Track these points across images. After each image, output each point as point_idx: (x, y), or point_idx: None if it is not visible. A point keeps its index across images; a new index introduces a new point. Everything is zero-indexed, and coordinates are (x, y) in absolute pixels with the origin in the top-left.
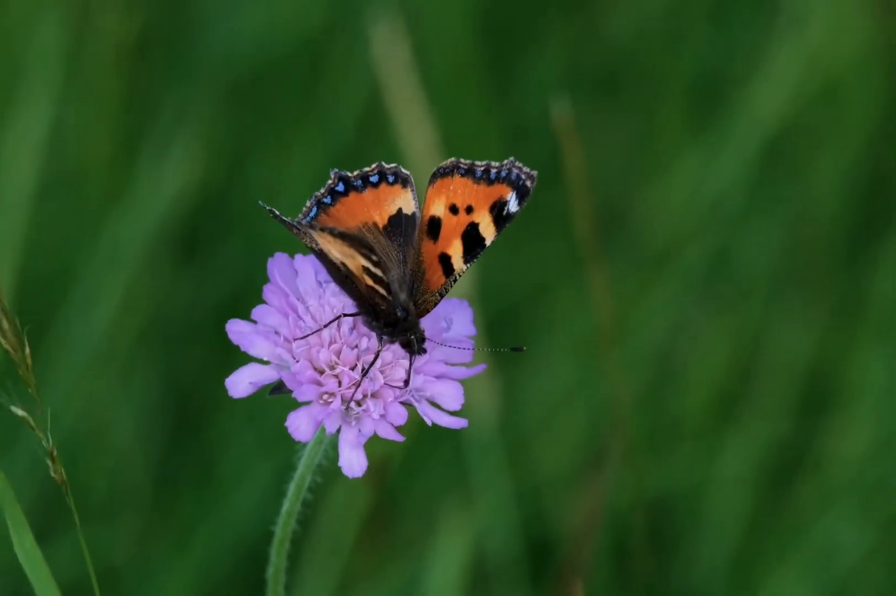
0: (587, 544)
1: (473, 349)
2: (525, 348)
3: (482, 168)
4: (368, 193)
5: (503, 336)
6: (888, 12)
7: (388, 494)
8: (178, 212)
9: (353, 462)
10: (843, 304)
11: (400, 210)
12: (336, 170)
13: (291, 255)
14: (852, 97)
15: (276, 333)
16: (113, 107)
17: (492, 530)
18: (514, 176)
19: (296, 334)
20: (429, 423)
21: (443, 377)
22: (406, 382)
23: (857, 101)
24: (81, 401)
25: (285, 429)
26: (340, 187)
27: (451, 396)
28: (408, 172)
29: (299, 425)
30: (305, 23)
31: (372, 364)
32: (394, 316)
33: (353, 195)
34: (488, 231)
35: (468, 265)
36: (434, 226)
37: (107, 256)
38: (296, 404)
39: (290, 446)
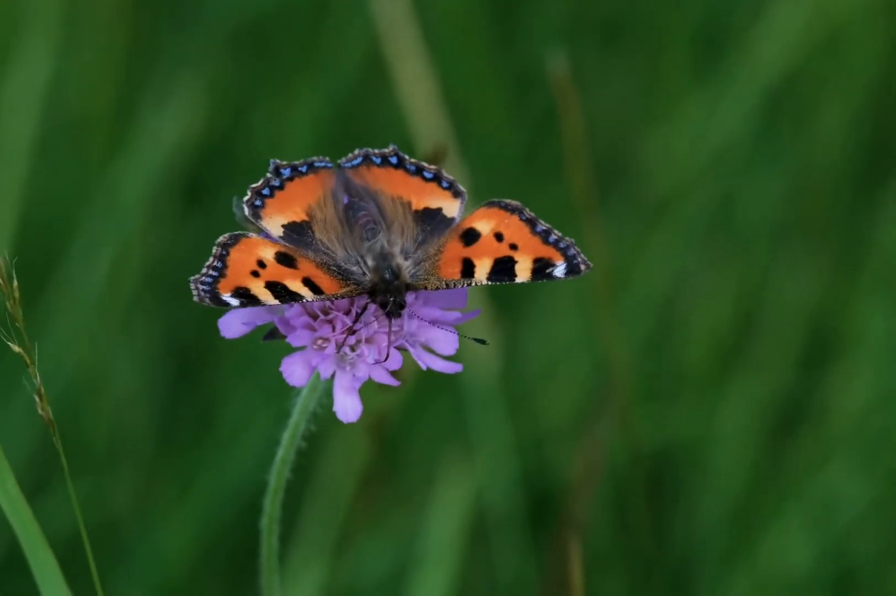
0: (587, 496)
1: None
2: (487, 342)
3: (544, 228)
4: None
5: (504, 288)
6: None
7: (388, 445)
8: (180, 160)
9: (347, 407)
10: (846, 253)
11: None
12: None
13: None
14: (855, 46)
15: None
16: (114, 55)
17: (492, 482)
18: (570, 252)
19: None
20: (423, 367)
21: (437, 322)
22: (387, 349)
23: (861, 49)
24: (82, 351)
25: (283, 380)
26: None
27: (446, 340)
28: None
29: (294, 370)
30: None
31: (364, 308)
32: (381, 276)
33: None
34: (523, 273)
35: (488, 282)
36: (471, 235)
37: (109, 205)
38: (290, 353)
39: (288, 398)
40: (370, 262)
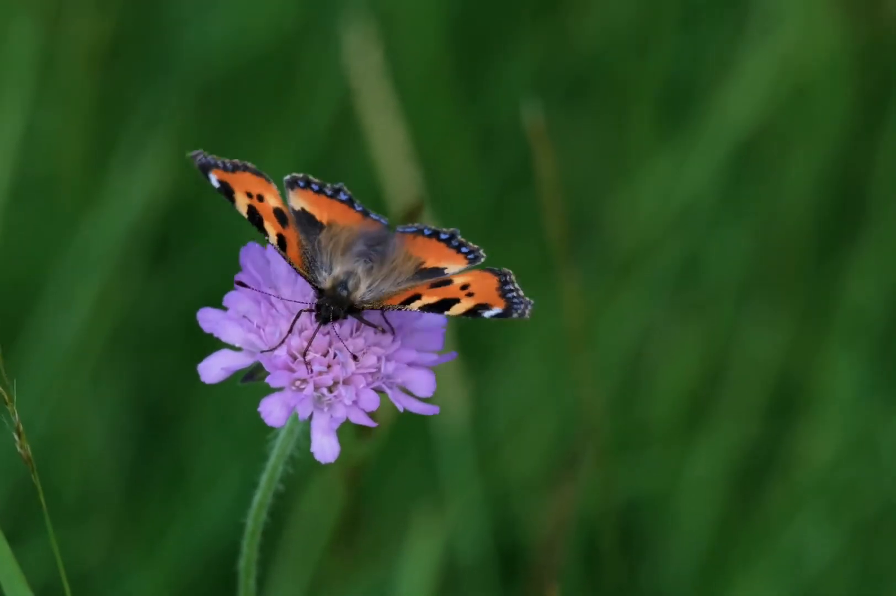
0: (558, 548)
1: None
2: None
3: (512, 287)
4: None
5: (475, 340)
6: (857, 17)
7: (361, 495)
8: (149, 216)
9: (325, 447)
10: (812, 308)
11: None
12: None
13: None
14: (822, 102)
15: (248, 319)
16: (85, 111)
17: (463, 533)
18: (516, 304)
19: (267, 321)
20: (400, 409)
21: (414, 364)
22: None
23: (827, 106)
24: (53, 404)
25: (256, 432)
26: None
27: (423, 382)
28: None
29: (272, 410)
30: (278, 26)
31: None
32: (334, 287)
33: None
34: (456, 310)
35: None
36: (442, 282)
37: (79, 260)
38: (265, 395)
39: (260, 450)
40: (334, 273)
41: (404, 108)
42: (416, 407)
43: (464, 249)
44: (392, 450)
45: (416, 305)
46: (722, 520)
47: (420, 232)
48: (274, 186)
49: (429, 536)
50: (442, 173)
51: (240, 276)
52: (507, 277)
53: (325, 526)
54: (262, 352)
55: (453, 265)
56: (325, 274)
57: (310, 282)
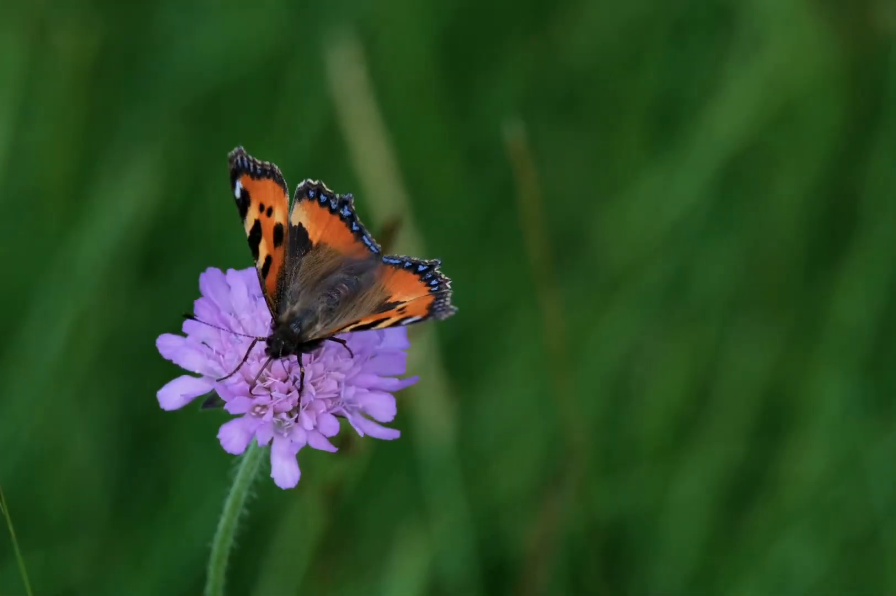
0: (543, 567)
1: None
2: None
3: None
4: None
5: (460, 358)
6: (845, 34)
7: (344, 515)
8: (136, 232)
9: (285, 472)
10: (800, 326)
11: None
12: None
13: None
14: (811, 119)
15: (207, 345)
16: (71, 127)
17: (448, 552)
18: (440, 309)
19: (227, 348)
20: (360, 434)
21: (375, 389)
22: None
23: (816, 122)
24: (39, 421)
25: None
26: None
27: (384, 407)
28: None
29: (231, 437)
30: (265, 43)
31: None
32: (287, 323)
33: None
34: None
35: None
36: (386, 306)
37: (65, 276)
38: (231, 418)
39: (233, 465)
40: (293, 308)
41: (392, 126)
42: (377, 432)
43: (433, 282)
44: (378, 467)
45: (348, 328)
46: (709, 539)
47: (402, 264)
48: (286, 199)
49: (415, 554)
50: (429, 191)
51: (199, 303)
52: (439, 285)
53: (307, 547)
54: (217, 380)
55: (415, 305)
56: (287, 305)
57: (271, 311)
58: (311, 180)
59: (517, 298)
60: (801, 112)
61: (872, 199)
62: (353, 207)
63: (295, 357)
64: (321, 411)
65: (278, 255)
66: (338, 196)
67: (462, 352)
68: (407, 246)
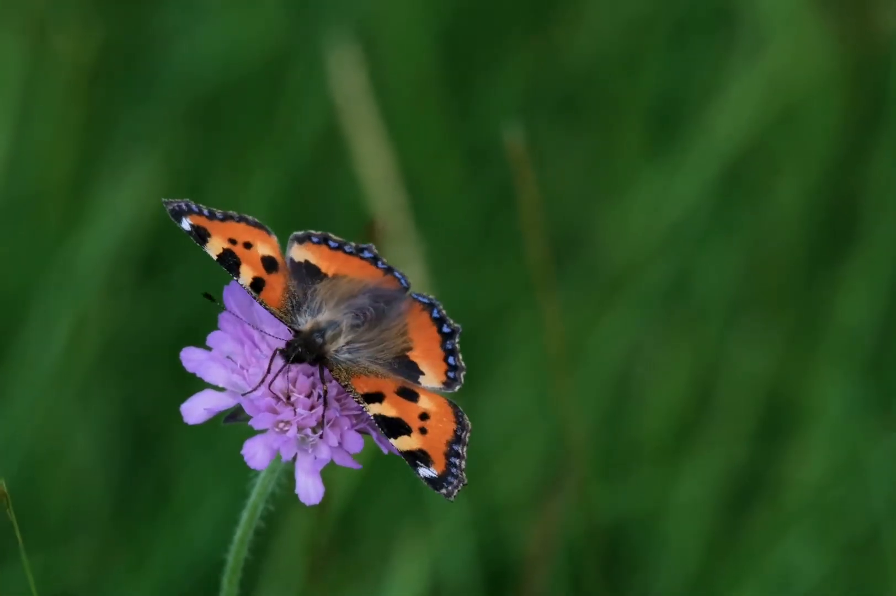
0: (543, 570)
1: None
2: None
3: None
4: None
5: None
6: (847, 35)
7: (345, 520)
8: (137, 234)
9: (309, 489)
10: (801, 327)
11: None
12: None
13: None
14: (812, 120)
15: (231, 359)
16: (71, 128)
17: (448, 555)
18: (453, 471)
19: (251, 362)
20: (384, 451)
21: None
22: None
23: (817, 123)
24: (39, 422)
25: (241, 454)
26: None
27: None
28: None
29: (255, 453)
30: (265, 45)
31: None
32: (310, 333)
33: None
34: (400, 443)
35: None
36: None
37: (66, 277)
38: (249, 430)
39: (246, 470)
40: (317, 318)
41: (392, 127)
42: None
43: (451, 361)
44: (378, 470)
45: (373, 409)
46: (710, 541)
47: (430, 307)
48: (274, 238)
49: (415, 557)
50: (430, 191)
51: (223, 316)
52: (463, 432)
53: (305, 552)
54: (243, 394)
55: (431, 375)
56: (308, 318)
57: (286, 323)
58: (312, 231)
59: (517, 299)
60: (803, 113)
61: (873, 200)
62: (375, 251)
63: (318, 375)
64: (346, 428)
65: (276, 280)
66: (353, 243)
67: (462, 353)
68: (407, 247)
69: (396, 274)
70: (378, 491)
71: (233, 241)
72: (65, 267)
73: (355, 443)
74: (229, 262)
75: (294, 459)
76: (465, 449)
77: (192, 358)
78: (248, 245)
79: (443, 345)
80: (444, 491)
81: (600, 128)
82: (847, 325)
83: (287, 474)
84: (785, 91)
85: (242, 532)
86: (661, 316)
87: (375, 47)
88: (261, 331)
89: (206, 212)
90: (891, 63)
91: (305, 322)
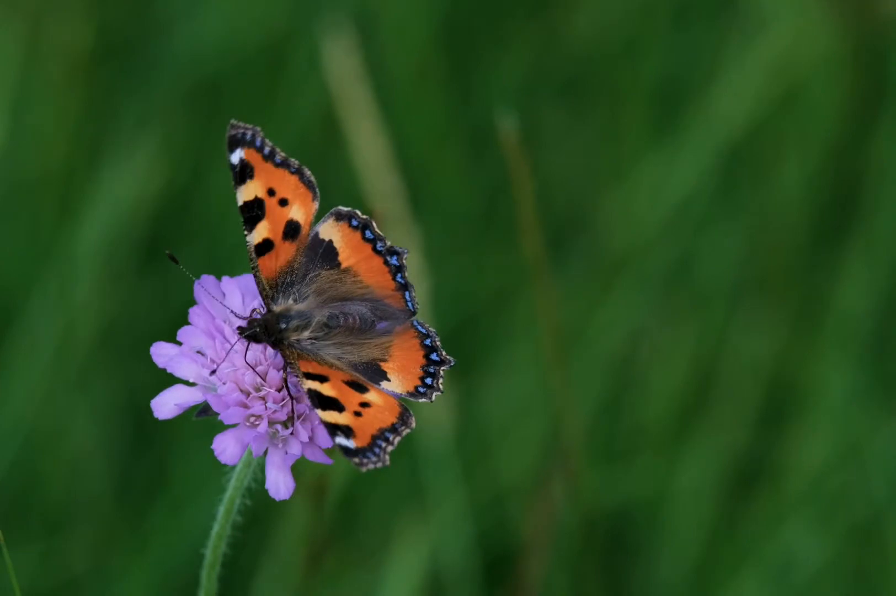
0: (542, 556)
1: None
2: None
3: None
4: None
5: (461, 346)
6: (849, 17)
7: (339, 508)
8: (139, 218)
9: (279, 484)
10: (804, 311)
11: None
12: None
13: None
14: (813, 103)
15: (202, 354)
16: (71, 113)
17: (447, 543)
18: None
19: (222, 356)
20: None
21: None
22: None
23: (819, 106)
24: (39, 408)
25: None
26: None
27: None
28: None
29: (225, 448)
30: (264, 29)
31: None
32: (276, 319)
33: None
34: (328, 415)
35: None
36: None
37: (66, 263)
38: (223, 427)
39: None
40: (294, 307)
41: (393, 111)
42: None
43: (427, 381)
44: None
45: (309, 384)
46: (711, 527)
47: (425, 337)
48: (315, 205)
49: (414, 545)
50: (430, 176)
51: (193, 310)
52: (402, 427)
53: (302, 541)
54: (210, 373)
55: (398, 384)
56: (289, 302)
57: (264, 297)
58: (359, 212)
59: (518, 285)
60: (804, 96)
61: (875, 183)
62: (405, 261)
63: (290, 369)
64: (316, 422)
65: (286, 249)
66: (388, 242)
67: (462, 340)
68: (405, 232)
69: (408, 295)
70: (376, 479)
71: (271, 192)
72: (64, 253)
73: (326, 437)
74: (252, 213)
75: (265, 453)
76: (397, 440)
77: (162, 353)
78: (283, 202)
79: (424, 368)
80: (356, 461)
81: (602, 111)
82: (849, 309)
83: (262, 468)
84: (787, 74)
85: (220, 527)
86: (663, 299)
87: (376, 31)
88: (231, 323)
89: (266, 150)
90: (892, 45)
91: (280, 304)
